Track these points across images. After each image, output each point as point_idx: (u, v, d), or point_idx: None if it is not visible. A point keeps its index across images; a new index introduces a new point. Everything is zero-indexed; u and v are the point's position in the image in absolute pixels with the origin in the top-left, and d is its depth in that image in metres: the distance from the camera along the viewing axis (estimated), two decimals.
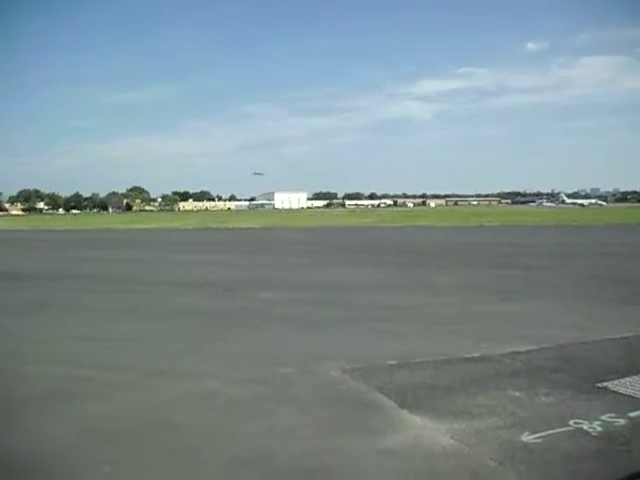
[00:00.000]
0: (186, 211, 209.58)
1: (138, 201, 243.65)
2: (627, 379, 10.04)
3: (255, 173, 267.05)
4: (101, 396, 9.66)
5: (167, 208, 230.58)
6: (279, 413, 8.83)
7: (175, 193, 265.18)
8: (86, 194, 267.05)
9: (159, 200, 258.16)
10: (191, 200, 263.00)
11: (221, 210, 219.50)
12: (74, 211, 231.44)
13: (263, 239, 57.40)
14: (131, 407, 9.21)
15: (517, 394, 9.41)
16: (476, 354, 11.71)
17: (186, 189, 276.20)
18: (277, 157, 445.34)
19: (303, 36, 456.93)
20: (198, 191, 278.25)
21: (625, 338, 12.92)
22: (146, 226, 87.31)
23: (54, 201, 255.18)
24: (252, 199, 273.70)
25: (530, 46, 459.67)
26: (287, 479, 6.77)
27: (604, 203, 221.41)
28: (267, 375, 10.64)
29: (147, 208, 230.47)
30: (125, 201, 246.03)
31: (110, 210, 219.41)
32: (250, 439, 7.87)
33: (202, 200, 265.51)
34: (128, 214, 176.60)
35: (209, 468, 7.06)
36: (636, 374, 10.28)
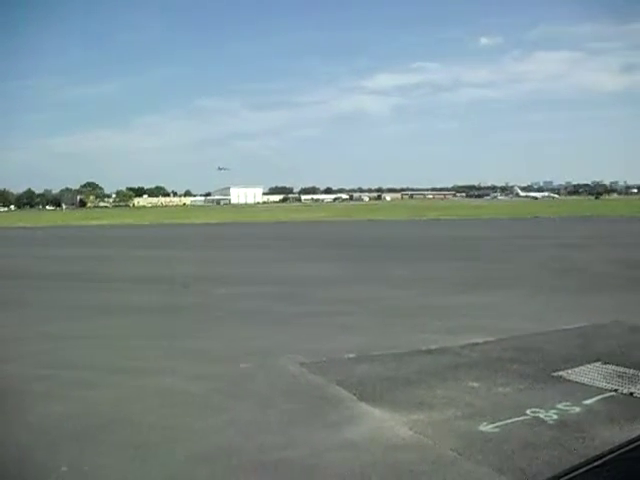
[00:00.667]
0: (141, 207, 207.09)
1: (92, 197, 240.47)
2: (581, 368, 10.21)
3: (220, 168, 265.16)
4: (59, 395, 9.50)
5: (122, 204, 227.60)
6: (238, 408, 8.79)
7: (129, 189, 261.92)
8: (38, 190, 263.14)
9: (113, 196, 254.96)
10: (146, 196, 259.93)
11: (176, 206, 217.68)
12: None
13: (219, 234, 57.06)
14: (90, 405, 9.06)
15: (475, 385, 9.50)
16: (434, 346, 11.79)
17: (141, 185, 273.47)
18: (232, 152, 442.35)
19: (257, 30, 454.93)
20: (153, 187, 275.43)
21: (579, 328, 13.13)
22: (101, 222, 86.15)
23: (5, 198, 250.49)
24: (208, 194, 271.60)
25: (484, 41, 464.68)
26: (247, 474, 6.72)
27: (557, 196, 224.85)
28: (225, 370, 10.59)
29: (101, 204, 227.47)
30: (79, 197, 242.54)
31: (64, 207, 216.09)
32: (209, 435, 7.81)
33: (157, 196, 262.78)
34: (82, 210, 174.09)
35: (168, 465, 6.99)
36: (590, 363, 10.47)
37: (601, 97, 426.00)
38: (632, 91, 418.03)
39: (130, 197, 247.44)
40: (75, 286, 22.07)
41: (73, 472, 6.77)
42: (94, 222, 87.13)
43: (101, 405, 9.05)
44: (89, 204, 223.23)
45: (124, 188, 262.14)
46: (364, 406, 8.72)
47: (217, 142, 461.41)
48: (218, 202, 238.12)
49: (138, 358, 11.67)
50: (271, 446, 7.38)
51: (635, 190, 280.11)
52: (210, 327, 14.46)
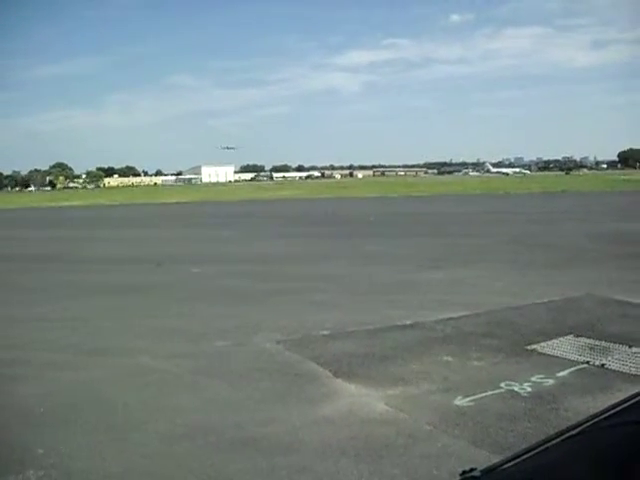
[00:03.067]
0: (112, 187, 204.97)
1: (62, 178, 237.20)
2: (554, 341, 10.34)
3: (225, 147, 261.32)
4: (32, 377, 9.43)
5: (92, 185, 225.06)
6: (214, 386, 8.79)
7: (100, 169, 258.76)
8: (6, 172, 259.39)
9: (83, 177, 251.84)
10: (116, 176, 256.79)
11: (147, 185, 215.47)
12: None
13: (191, 213, 56.83)
14: (64, 387, 9.01)
15: (450, 359, 9.57)
16: (408, 321, 11.86)
17: (111, 165, 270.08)
18: (203, 130, 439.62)
19: (228, 6, 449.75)
20: (123, 166, 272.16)
21: (552, 301, 13.28)
22: (71, 203, 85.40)
23: None
24: (179, 173, 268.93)
25: (454, 17, 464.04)
26: (225, 452, 6.72)
27: (528, 172, 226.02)
28: (201, 349, 10.58)
29: (71, 185, 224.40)
30: (48, 178, 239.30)
31: (33, 188, 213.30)
32: (186, 413, 7.80)
33: (128, 176, 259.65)
34: (52, 192, 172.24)
35: (146, 444, 6.97)
36: (563, 336, 10.59)
37: (571, 73, 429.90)
38: (601, 67, 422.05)
39: (100, 177, 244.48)
40: (48, 267, 21.88)
41: (49, 454, 6.72)
42: (65, 203, 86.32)
43: (75, 386, 9.00)
44: (59, 185, 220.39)
45: (94, 168, 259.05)
46: (340, 382, 8.76)
47: (188, 120, 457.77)
48: (189, 181, 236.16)
49: (112, 338, 11.62)
50: (248, 423, 7.39)
51: (605, 165, 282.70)
52: (185, 306, 14.41)
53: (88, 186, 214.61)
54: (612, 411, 2.51)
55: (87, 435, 7.23)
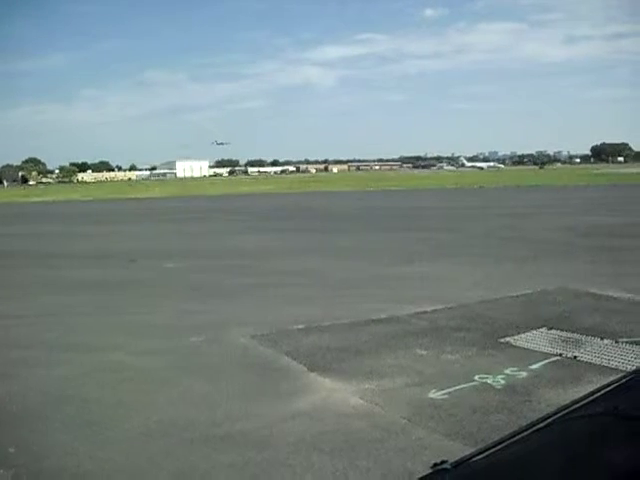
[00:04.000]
0: (85, 182, 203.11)
1: (34, 173, 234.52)
2: (527, 334, 10.42)
3: (218, 143, 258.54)
4: (5, 375, 9.31)
5: (65, 180, 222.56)
6: (189, 382, 8.76)
7: (73, 164, 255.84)
8: None
9: (56, 172, 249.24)
10: (90, 171, 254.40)
11: (121, 180, 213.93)
12: None
13: (164, 209, 56.39)
14: (38, 384, 8.91)
15: (424, 353, 9.61)
16: (383, 315, 11.88)
17: (84, 160, 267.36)
18: (178, 124, 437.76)
19: (201, 2, 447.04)
20: (97, 162, 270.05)
21: (525, 295, 13.38)
22: (45, 199, 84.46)
23: None
24: (153, 168, 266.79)
25: (428, 12, 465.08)
26: (201, 447, 6.70)
27: (502, 166, 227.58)
28: (176, 344, 10.53)
29: (44, 180, 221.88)
30: (20, 174, 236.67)
31: (5, 183, 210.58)
32: (162, 409, 7.77)
33: (101, 171, 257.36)
34: (24, 187, 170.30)
35: (121, 441, 6.92)
36: (536, 329, 10.67)
37: (544, 68, 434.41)
38: (574, 62, 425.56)
39: (74, 173, 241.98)
40: (20, 264, 21.63)
41: (21, 453, 6.64)
42: (38, 199, 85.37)
43: (50, 383, 8.92)
44: (31, 180, 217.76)
45: (67, 163, 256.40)
46: (315, 376, 8.76)
47: (162, 115, 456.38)
48: (164, 176, 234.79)
49: (87, 334, 11.52)
50: (224, 419, 7.37)
51: (578, 160, 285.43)
52: (159, 301, 14.34)
53: (56, 181, 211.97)
54: (580, 403, 2.53)
55: (60, 433, 7.16)
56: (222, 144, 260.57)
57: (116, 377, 9.08)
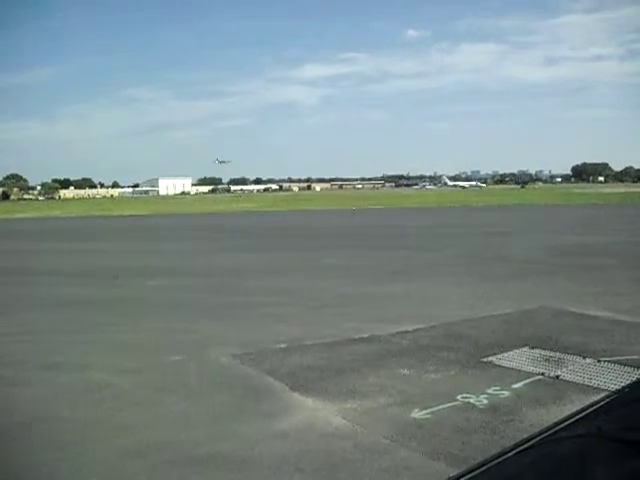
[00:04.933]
0: (67, 199, 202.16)
1: (16, 189, 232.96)
2: (510, 353, 10.43)
3: (220, 161, 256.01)
4: None
5: (47, 196, 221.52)
6: (169, 402, 8.67)
7: (55, 181, 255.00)
8: None
9: (38, 188, 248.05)
10: (72, 188, 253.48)
11: (104, 197, 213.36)
12: None
13: (147, 226, 56.22)
14: (14, 403, 8.79)
15: (406, 372, 9.59)
16: (365, 335, 11.86)
17: (67, 176, 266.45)
18: (161, 142, 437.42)
19: (187, 18, 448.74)
20: (79, 178, 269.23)
21: (507, 314, 13.40)
22: (26, 215, 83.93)
23: None
24: (136, 185, 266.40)
25: (411, 33, 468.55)
26: (180, 469, 6.62)
27: (484, 185, 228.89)
28: (157, 363, 10.44)
29: (26, 197, 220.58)
30: (1, 190, 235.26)
31: None
32: (140, 430, 7.68)
33: (84, 188, 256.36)
34: (5, 203, 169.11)
35: (99, 462, 6.82)
36: (518, 348, 10.68)
37: (525, 88, 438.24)
38: (554, 83, 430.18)
39: (56, 189, 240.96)
40: (2, 281, 21.40)
41: None
42: (19, 215, 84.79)
43: (26, 402, 8.81)
44: (13, 196, 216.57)
45: (49, 180, 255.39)
46: (296, 396, 8.71)
47: (145, 132, 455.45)
48: (146, 193, 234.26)
49: (66, 353, 11.40)
50: (204, 439, 7.30)
51: (559, 179, 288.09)
52: (140, 319, 14.24)
53: (40, 197, 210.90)
54: (563, 424, 2.52)
55: (36, 454, 7.05)
56: (224, 162, 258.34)
57: (94, 396, 8.99)
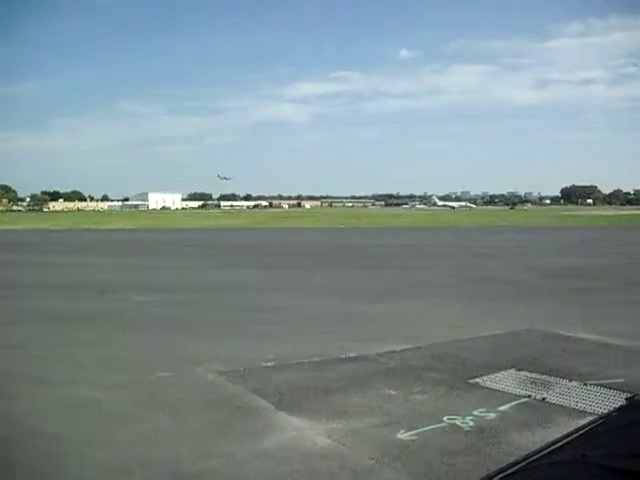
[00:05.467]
0: (56, 212, 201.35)
1: (5, 201, 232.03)
2: (497, 374, 10.43)
3: (221, 177, 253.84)
4: None
5: (36, 208, 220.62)
6: (155, 418, 8.62)
7: (45, 193, 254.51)
8: None
9: (27, 200, 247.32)
10: (62, 200, 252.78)
11: (93, 211, 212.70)
12: None
13: (135, 240, 56.01)
14: (1, 419, 8.73)
15: (393, 393, 9.57)
16: (352, 354, 11.84)
17: (56, 189, 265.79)
18: (152, 157, 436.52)
19: (177, 35, 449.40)
20: (69, 191, 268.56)
21: (495, 335, 13.41)
22: (14, 227, 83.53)
23: None
24: (125, 199, 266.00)
25: (404, 53, 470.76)
26: None
27: (473, 206, 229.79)
28: (143, 380, 10.38)
29: (15, 208, 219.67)
30: None
31: None
32: (126, 447, 7.62)
33: (73, 200, 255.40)
34: None
35: (82, 479, 6.77)
36: (505, 370, 10.69)
37: (516, 110, 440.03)
38: (544, 105, 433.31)
39: (45, 201, 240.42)
40: None
41: None
42: (7, 227, 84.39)
43: (8, 418, 8.73)
44: (1, 208, 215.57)
45: (39, 192, 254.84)
46: (282, 415, 8.67)
47: (136, 146, 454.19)
48: (136, 207, 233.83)
49: (52, 368, 11.32)
50: (189, 457, 7.26)
51: (548, 201, 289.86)
52: (127, 335, 14.17)
53: (26, 209, 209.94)
54: (548, 450, 2.52)
55: (20, 471, 6.99)
56: (225, 179, 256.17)
57: (80, 412, 8.93)
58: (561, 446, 2.58)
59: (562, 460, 2.41)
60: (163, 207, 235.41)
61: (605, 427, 2.68)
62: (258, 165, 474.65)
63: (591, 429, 2.67)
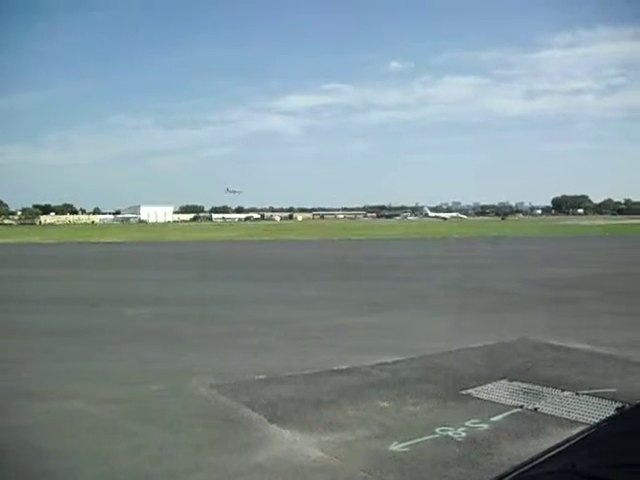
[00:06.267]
0: (48, 225, 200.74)
1: None
2: (489, 385, 10.44)
3: (230, 190, 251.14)
4: None
5: (28, 222, 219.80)
6: (147, 432, 8.59)
7: (36, 206, 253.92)
8: None
9: (19, 213, 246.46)
10: (53, 213, 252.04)
11: (85, 224, 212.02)
12: None
13: (127, 253, 55.90)
14: None
15: (385, 405, 9.56)
16: (344, 366, 11.83)
17: (48, 202, 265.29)
18: (143, 169, 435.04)
19: (168, 48, 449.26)
20: (60, 204, 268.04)
21: (487, 346, 13.42)
22: (4, 241, 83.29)
23: None
24: (117, 212, 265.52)
25: (394, 65, 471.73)
26: None
27: (465, 217, 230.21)
28: (135, 393, 10.35)
29: (6, 222, 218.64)
30: None
31: None
32: (117, 460, 7.60)
33: (65, 213, 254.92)
34: None
35: None
36: (497, 380, 10.69)
37: (506, 121, 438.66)
38: (534, 115, 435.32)
39: (36, 215, 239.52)
40: None
41: None
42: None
43: (4, 432, 8.68)
44: None
45: (30, 205, 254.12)
46: (274, 428, 8.65)
47: (128, 159, 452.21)
48: (128, 220, 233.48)
49: (44, 381, 11.28)
50: (181, 471, 7.24)
51: (539, 211, 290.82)
52: (119, 348, 14.11)
53: (17, 223, 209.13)
54: (538, 460, 2.52)
55: None
56: (235, 192, 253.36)
57: (72, 426, 8.89)
58: (551, 456, 2.58)
59: (552, 470, 2.41)
60: (155, 220, 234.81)
61: (595, 437, 2.69)
62: (249, 177, 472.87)
63: (581, 439, 2.67)
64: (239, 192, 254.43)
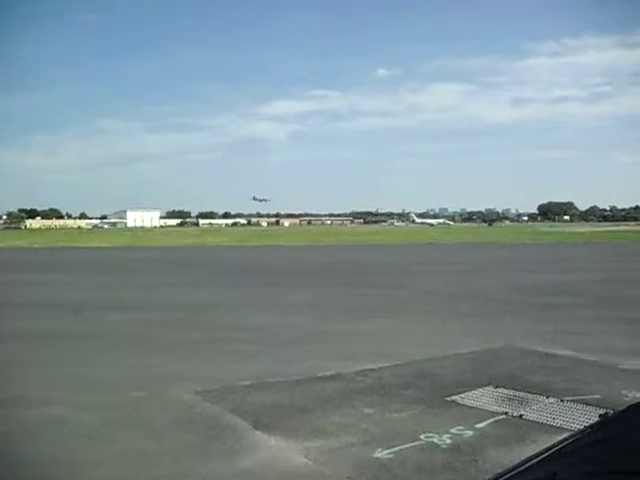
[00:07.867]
0: (33, 229, 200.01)
1: None
2: (474, 392, 10.43)
3: (256, 198, 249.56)
4: None
5: (13, 226, 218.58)
6: (130, 439, 8.53)
7: (21, 210, 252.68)
8: None
9: (4, 218, 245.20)
10: (39, 218, 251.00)
11: (71, 228, 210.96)
12: None
13: (113, 259, 55.62)
14: None
15: (370, 411, 9.53)
16: (329, 373, 11.80)
17: (34, 206, 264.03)
18: (130, 174, 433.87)
19: (157, 51, 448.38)
20: (46, 208, 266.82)
21: (472, 352, 13.43)
22: None
23: None
24: (104, 217, 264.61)
25: (381, 72, 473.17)
26: None
27: (451, 223, 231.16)
28: (117, 400, 10.28)
29: None
30: None
31: None
32: (100, 467, 7.53)
33: (51, 218, 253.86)
34: None
35: None
36: (482, 387, 10.69)
37: (492, 128, 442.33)
38: (520, 122, 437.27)
39: (22, 219, 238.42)
40: None
41: None
42: None
43: None
44: None
45: (16, 209, 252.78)
46: (259, 434, 8.62)
47: (115, 164, 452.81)
48: (114, 225, 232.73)
49: (25, 387, 11.15)
50: (164, 477, 7.20)
51: (526, 218, 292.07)
52: (102, 355, 14.01)
53: (2, 227, 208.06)
54: (520, 468, 2.51)
55: None
56: (263, 200, 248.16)
57: (54, 433, 8.82)
58: (532, 464, 2.57)
59: (533, 479, 2.40)
60: (142, 224, 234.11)
61: (577, 444, 2.67)
62: (236, 183, 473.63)
63: (563, 446, 2.66)
64: (267, 200, 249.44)
